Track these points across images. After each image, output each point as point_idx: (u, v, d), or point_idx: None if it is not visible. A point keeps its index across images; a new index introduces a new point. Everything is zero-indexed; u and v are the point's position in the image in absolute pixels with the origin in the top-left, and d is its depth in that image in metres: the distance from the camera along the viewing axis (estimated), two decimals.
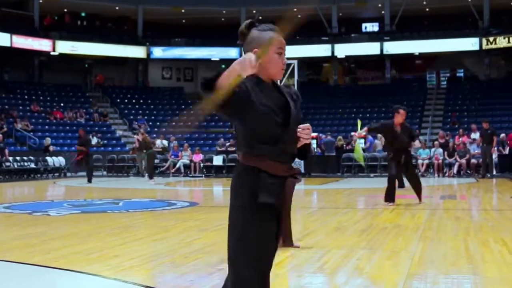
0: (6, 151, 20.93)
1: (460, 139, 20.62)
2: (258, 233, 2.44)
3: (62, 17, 33.14)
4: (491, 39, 29.77)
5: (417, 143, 18.97)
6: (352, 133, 20.55)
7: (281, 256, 4.89)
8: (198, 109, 2.31)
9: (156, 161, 21.11)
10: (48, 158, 21.84)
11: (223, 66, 26.99)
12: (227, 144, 23.05)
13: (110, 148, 25.82)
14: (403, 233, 6.42)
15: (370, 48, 31.69)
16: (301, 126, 2.55)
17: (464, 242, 5.76)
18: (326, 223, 7.49)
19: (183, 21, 34.17)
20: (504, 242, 5.67)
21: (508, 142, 20.40)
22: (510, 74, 31.56)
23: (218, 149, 22.90)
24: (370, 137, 20.72)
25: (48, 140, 23.64)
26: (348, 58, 33.32)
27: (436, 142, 20.56)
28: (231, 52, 32.17)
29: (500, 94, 28.30)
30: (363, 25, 34.55)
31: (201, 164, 21.83)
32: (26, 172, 20.80)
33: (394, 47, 31.26)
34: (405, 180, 10.10)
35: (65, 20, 33.18)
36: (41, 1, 30.39)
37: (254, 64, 2.23)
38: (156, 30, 33.46)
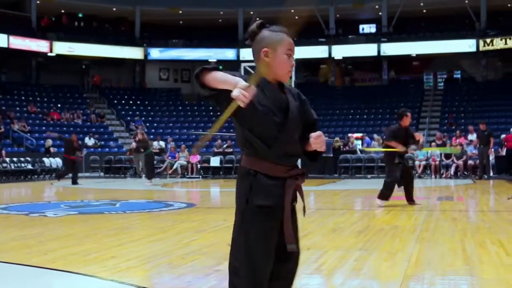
0: (3, 152, 20.92)
1: (457, 140, 20.67)
2: (254, 238, 2.40)
3: (59, 18, 33.11)
4: (488, 40, 29.83)
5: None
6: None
7: None
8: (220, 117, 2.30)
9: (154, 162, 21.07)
10: (45, 159, 21.84)
11: (221, 67, 26.97)
12: (224, 145, 23.05)
13: (107, 149, 25.81)
14: (400, 234, 6.43)
15: (367, 50, 31.73)
16: (312, 134, 2.47)
17: (461, 243, 5.76)
18: (323, 224, 7.49)
19: (180, 22, 34.18)
20: (501, 244, 5.67)
21: (505, 143, 20.42)
22: (507, 75, 31.62)
23: (215, 150, 22.91)
24: (367, 138, 20.73)
25: (49, 142, 23.59)
26: (345, 59, 33.33)
27: (433, 143, 20.59)
28: (228, 53, 32.19)
29: (497, 96, 28.34)
30: (360, 26, 34.64)
31: (198, 165, 21.84)
32: (23, 173, 20.79)
33: (391, 49, 31.29)
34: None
35: (62, 21, 33.15)
36: (38, 2, 30.39)
37: (248, 100, 2.21)
38: (153, 31, 33.47)
